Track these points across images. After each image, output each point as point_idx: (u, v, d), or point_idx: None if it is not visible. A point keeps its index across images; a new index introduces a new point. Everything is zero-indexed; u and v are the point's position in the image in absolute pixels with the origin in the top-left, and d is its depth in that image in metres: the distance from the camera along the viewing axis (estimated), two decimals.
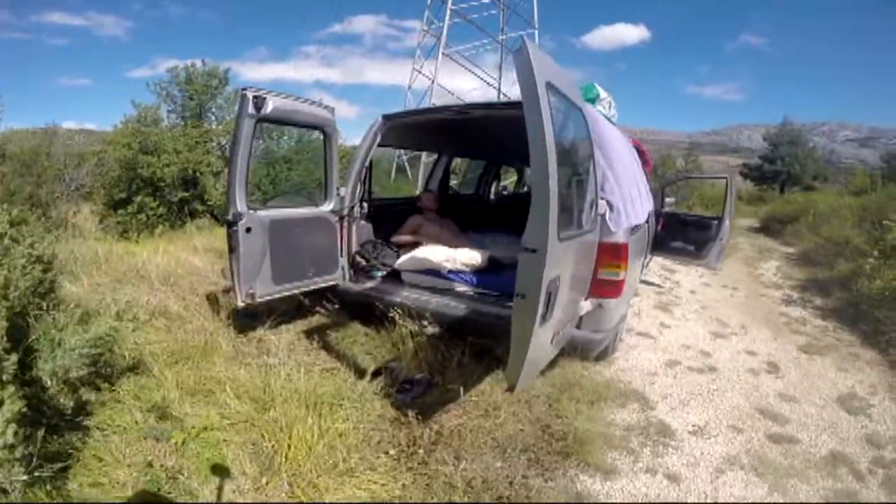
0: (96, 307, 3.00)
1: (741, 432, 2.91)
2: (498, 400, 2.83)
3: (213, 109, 11.40)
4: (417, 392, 2.90)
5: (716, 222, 5.78)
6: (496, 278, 3.60)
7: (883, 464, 2.70)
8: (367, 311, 3.68)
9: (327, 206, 3.73)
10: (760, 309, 5.78)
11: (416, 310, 3.29)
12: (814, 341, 4.62)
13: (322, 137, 3.66)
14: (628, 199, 2.97)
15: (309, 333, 3.71)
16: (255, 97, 3.01)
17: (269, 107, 3.09)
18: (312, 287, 3.65)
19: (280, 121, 3.42)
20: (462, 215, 5.07)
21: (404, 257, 3.80)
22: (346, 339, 3.66)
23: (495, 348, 3.19)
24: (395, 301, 3.46)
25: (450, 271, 3.64)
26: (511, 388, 2.07)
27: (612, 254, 2.85)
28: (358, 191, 3.89)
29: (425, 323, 3.25)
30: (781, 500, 2.35)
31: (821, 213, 11.51)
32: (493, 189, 6.95)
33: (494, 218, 5.77)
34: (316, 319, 3.99)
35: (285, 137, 10.94)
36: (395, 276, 3.86)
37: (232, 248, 3.16)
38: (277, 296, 3.44)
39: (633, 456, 2.55)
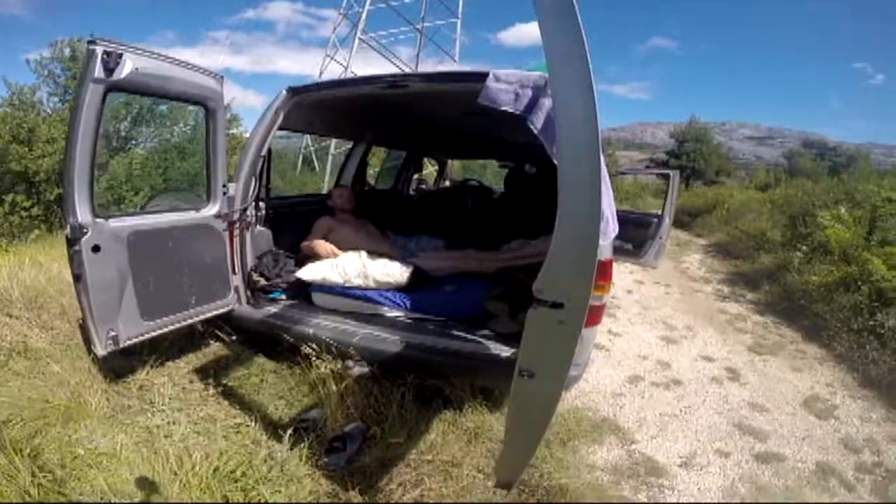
0: None
1: (728, 456, 2.81)
2: (456, 454, 2.42)
3: None
4: (352, 450, 2.40)
5: (655, 220, 5.86)
6: (432, 297, 3.14)
7: (866, 469, 2.80)
8: (273, 343, 3.10)
9: (211, 210, 3.00)
10: (698, 306, 5.98)
11: (337, 344, 2.71)
12: (760, 340, 4.79)
13: (204, 115, 2.91)
14: (613, 204, 2.61)
15: (203, 372, 3.05)
16: (106, 53, 2.25)
17: (127, 68, 2.33)
18: (197, 319, 2.96)
19: (143, 90, 2.60)
20: (380, 215, 4.49)
21: (302, 270, 3.17)
22: (252, 379, 3.03)
23: (443, 388, 2.78)
24: (307, 333, 2.86)
25: (360, 288, 3.10)
26: (507, 486, 1.64)
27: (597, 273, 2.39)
28: (252, 188, 3.21)
29: (350, 363, 2.69)
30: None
31: (734, 206, 12.57)
32: (412, 184, 6.47)
33: (418, 218, 5.31)
34: (212, 352, 3.29)
35: (180, 125, 9.84)
36: (304, 296, 3.27)
37: (77, 277, 2.40)
38: (151, 335, 2.73)
39: None
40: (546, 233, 3.86)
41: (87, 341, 2.85)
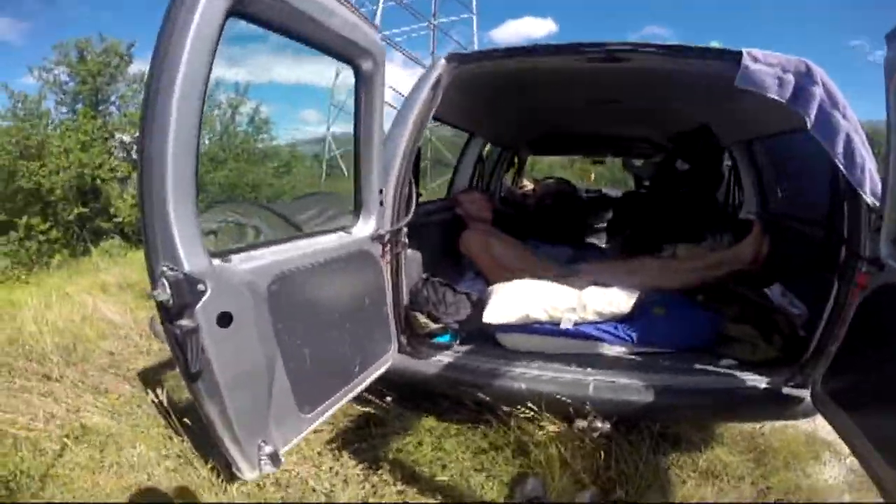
0: None
1: None
2: (712, 499, 2.43)
3: (114, 98, 9.82)
4: None
5: None
6: (646, 324, 2.60)
7: None
8: (426, 396, 2.68)
9: (365, 228, 2.15)
10: None
11: (568, 399, 2.21)
12: None
13: (355, 80, 1.99)
14: None
15: (351, 447, 2.56)
16: None
17: None
18: (359, 389, 2.14)
19: (284, 24, 1.55)
20: (505, 225, 3.75)
21: (491, 312, 2.51)
22: (424, 450, 2.54)
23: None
24: (518, 388, 2.30)
25: (576, 324, 2.54)
26: None
27: None
28: (406, 194, 2.42)
29: (598, 423, 2.20)
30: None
31: None
32: (501, 185, 5.76)
33: (535, 225, 4.71)
34: (341, 411, 2.60)
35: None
36: (476, 334, 2.62)
37: (192, 375, 1.32)
38: (310, 429, 1.92)
39: None
40: (711, 234, 3.71)
41: (164, 410, 2.33)
